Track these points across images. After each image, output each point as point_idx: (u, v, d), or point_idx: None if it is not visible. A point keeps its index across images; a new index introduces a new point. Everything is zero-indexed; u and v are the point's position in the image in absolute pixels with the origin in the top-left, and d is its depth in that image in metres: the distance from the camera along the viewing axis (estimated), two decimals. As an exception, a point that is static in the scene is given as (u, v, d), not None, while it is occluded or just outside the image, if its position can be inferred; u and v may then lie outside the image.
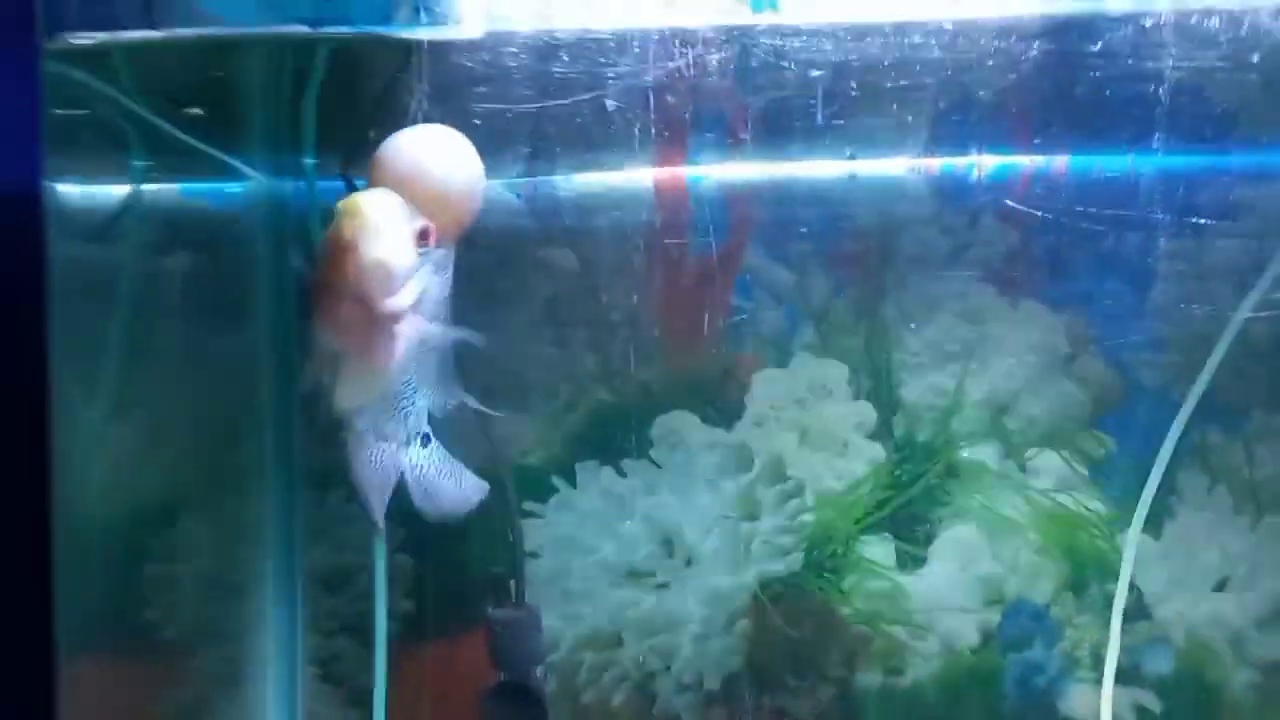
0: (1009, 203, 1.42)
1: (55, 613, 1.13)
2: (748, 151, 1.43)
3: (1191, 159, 1.41)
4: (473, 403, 1.16)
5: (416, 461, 1.14)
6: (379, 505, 1.15)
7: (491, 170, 1.16)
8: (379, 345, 1.03)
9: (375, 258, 0.98)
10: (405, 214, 1.01)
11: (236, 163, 1.45)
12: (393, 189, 1.02)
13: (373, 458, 1.13)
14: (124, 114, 1.21)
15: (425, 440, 1.15)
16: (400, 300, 1.00)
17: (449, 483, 1.17)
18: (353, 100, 1.19)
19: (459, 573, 1.49)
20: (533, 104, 1.17)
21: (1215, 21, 1.26)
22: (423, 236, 1.02)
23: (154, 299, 1.35)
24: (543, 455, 1.52)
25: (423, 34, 1.07)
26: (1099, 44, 1.28)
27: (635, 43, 1.18)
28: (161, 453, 1.36)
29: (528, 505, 1.49)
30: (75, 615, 1.15)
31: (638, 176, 1.47)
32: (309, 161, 1.32)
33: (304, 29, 1.04)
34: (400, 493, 1.16)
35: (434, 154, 1.06)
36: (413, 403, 1.12)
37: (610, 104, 1.28)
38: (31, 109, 1.12)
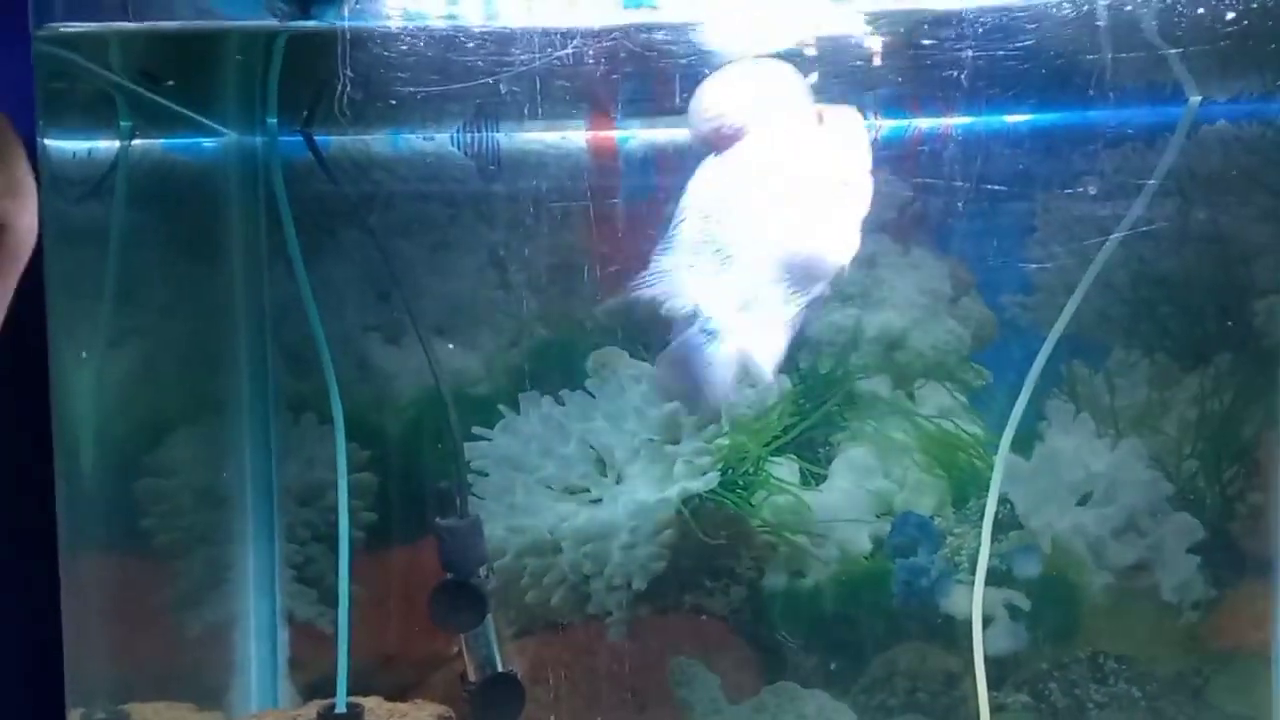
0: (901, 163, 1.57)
1: (58, 521, 1.28)
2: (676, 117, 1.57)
3: (1062, 123, 1.57)
4: None
5: None
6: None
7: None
8: None
9: None
10: None
11: (211, 122, 1.60)
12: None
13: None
14: (112, 85, 1.35)
15: None
16: None
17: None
18: (307, 72, 1.34)
19: (414, 488, 1.66)
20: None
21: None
22: None
23: (142, 241, 1.48)
24: (490, 385, 1.68)
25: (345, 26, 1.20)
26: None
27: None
28: (152, 381, 1.51)
29: (476, 430, 1.66)
30: (76, 523, 1.30)
31: (574, 138, 1.62)
32: (271, 120, 1.46)
33: (263, 22, 1.18)
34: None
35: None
36: None
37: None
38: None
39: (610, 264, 1.65)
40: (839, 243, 1.10)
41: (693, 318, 1.14)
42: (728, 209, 1.11)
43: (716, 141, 1.10)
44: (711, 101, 1.10)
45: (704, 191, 1.12)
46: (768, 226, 1.10)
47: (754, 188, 1.11)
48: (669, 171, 1.64)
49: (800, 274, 1.10)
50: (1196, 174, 1.57)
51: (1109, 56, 1.41)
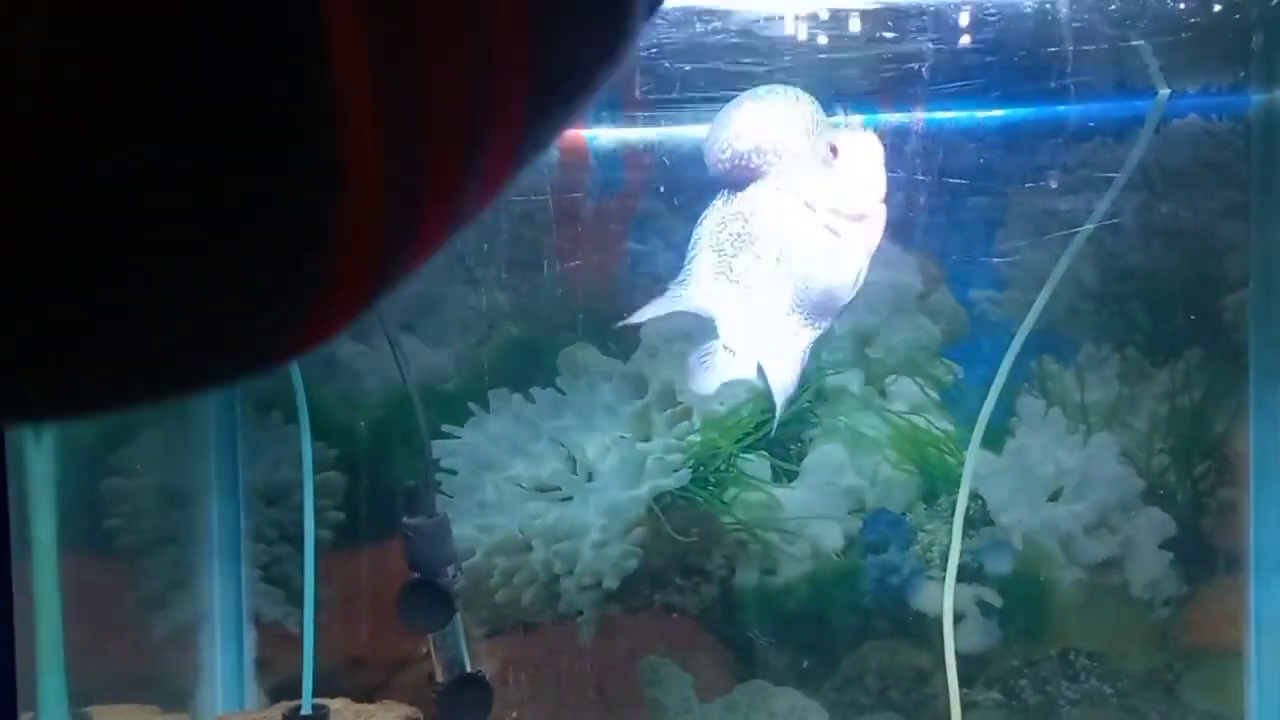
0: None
1: (8, 520, 1.26)
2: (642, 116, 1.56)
3: (1031, 118, 1.57)
4: None
5: None
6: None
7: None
8: None
9: None
10: None
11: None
12: None
13: None
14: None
15: None
16: None
17: None
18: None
19: (383, 487, 1.64)
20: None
21: None
22: None
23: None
24: (459, 383, 1.67)
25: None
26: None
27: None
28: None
29: (445, 428, 1.65)
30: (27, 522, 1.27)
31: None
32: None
33: None
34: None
35: None
36: None
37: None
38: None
39: (576, 260, 1.65)
40: (852, 279, 1.12)
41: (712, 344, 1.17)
42: (741, 244, 1.13)
43: (732, 175, 1.12)
44: (727, 134, 1.11)
45: (718, 225, 1.14)
46: (782, 262, 1.12)
47: (768, 223, 1.12)
48: (637, 167, 1.63)
49: (813, 309, 1.13)
50: (1166, 169, 1.57)
51: (1078, 50, 1.41)
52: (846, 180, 1.09)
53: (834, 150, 1.09)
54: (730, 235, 1.13)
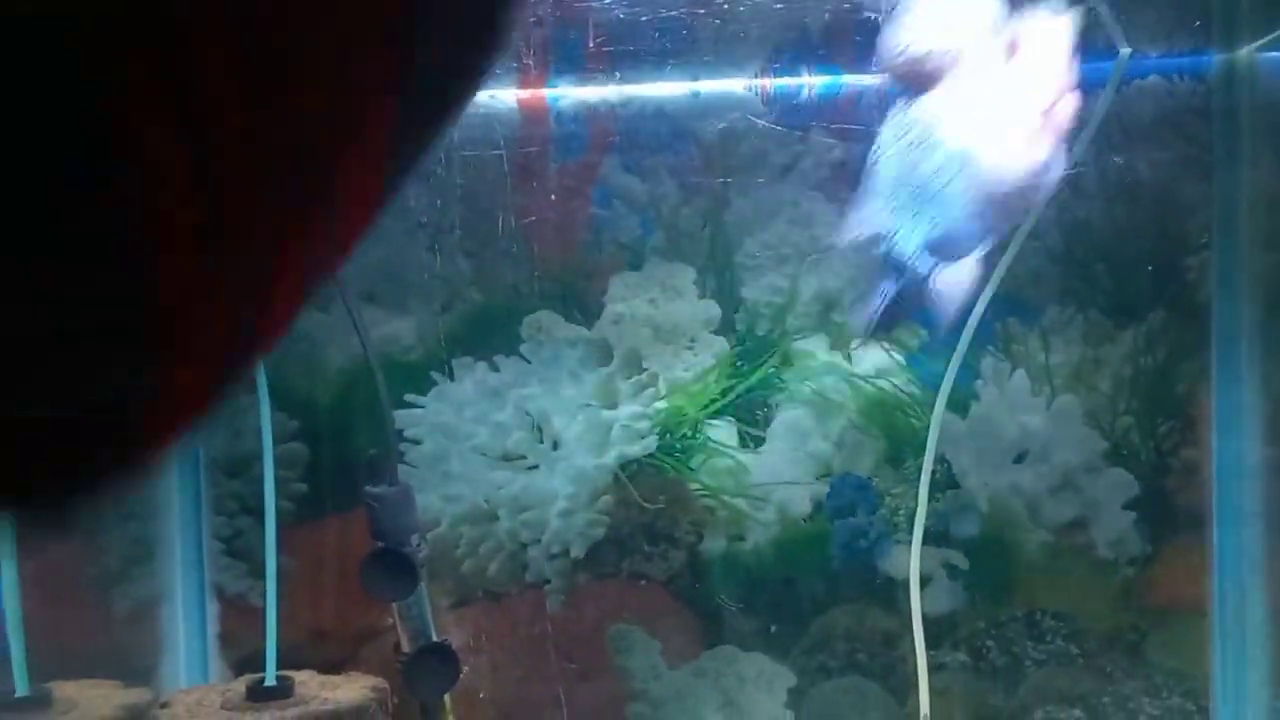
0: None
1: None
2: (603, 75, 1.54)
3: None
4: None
5: None
6: None
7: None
8: None
9: None
10: None
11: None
12: None
13: None
14: None
15: None
16: None
17: None
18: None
19: (345, 457, 1.62)
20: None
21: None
22: None
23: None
24: (422, 352, 1.65)
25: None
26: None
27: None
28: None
29: (409, 397, 1.63)
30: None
31: (504, 96, 1.59)
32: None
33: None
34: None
35: None
36: None
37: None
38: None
39: (541, 224, 1.63)
40: (1045, 172, 1.07)
41: (890, 259, 1.13)
42: (925, 150, 1.08)
43: (908, 76, 1.07)
44: (902, 34, 1.06)
45: (898, 131, 1.10)
46: (968, 162, 1.07)
47: (951, 122, 1.07)
48: (602, 131, 1.61)
49: (1004, 208, 1.09)
50: (1129, 130, 1.57)
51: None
52: (1031, 74, 1.04)
53: (1014, 47, 1.04)
54: (912, 141, 1.09)
